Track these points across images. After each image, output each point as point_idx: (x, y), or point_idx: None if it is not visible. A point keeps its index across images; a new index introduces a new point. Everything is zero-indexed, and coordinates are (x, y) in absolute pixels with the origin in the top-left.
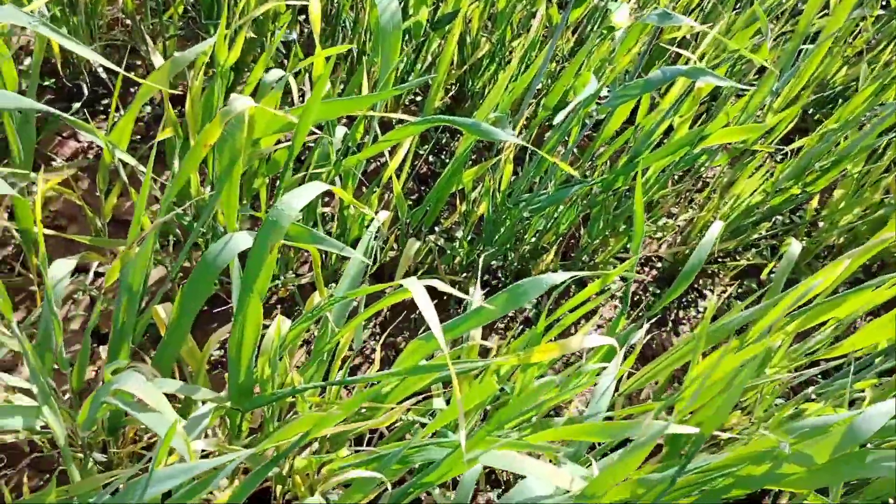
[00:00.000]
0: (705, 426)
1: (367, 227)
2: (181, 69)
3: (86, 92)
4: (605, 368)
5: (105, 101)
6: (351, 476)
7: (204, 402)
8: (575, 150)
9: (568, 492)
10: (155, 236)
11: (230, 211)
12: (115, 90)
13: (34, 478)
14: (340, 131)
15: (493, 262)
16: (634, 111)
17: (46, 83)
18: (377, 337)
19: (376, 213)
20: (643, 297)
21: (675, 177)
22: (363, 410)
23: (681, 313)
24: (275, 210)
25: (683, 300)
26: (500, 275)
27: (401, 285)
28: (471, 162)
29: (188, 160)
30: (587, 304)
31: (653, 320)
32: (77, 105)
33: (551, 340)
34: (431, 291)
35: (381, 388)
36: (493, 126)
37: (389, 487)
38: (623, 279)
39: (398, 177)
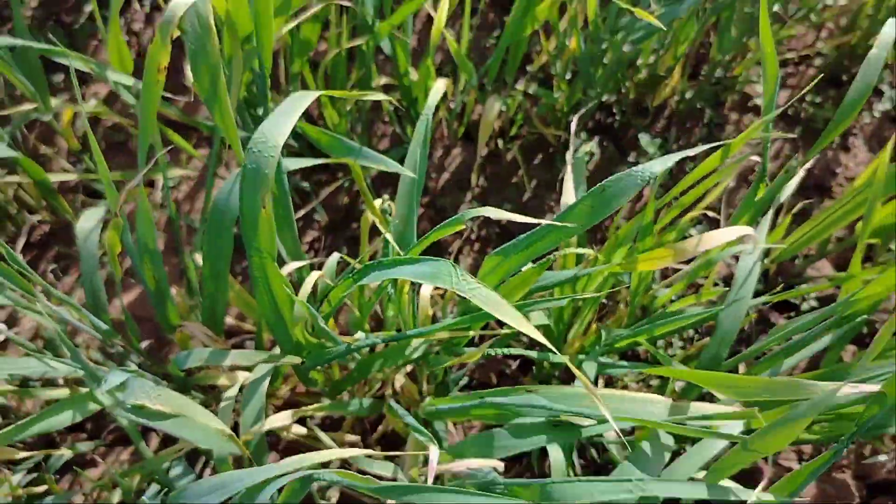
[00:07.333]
0: None
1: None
2: None
3: None
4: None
5: None
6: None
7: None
8: None
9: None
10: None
11: (231, 134)
12: None
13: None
14: None
15: (606, 97)
16: None
17: None
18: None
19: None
20: (799, 109)
21: None
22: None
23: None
24: (251, 153)
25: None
26: (614, 110)
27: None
28: None
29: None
30: (709, 178)
31: (808, 166)
32: None
33: (665, 228)
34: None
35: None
36: None
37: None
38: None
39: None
